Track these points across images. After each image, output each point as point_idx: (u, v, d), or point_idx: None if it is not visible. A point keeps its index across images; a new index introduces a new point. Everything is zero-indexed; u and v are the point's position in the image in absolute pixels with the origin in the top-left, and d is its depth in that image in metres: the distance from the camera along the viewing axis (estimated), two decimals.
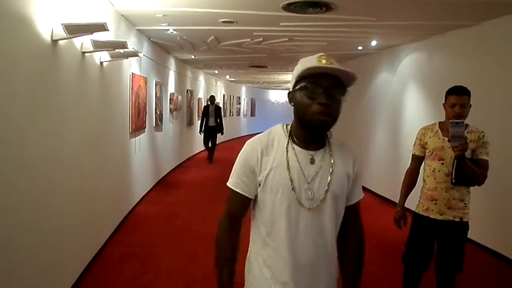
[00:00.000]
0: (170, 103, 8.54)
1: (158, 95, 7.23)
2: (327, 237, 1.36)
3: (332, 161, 1.35)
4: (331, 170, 1.34)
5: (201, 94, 12.45)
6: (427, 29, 5.14)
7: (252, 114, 22.14)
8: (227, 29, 5.39)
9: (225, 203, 1.44)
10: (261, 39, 6.13)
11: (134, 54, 4.43)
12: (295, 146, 1.35)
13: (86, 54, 3.41)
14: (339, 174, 1.36)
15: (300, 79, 1.30)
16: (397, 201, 3.03)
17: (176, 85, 9.14)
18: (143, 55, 5.98)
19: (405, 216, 2.92)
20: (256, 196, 1.39)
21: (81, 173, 3.48)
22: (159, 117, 7.43)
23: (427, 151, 2.83)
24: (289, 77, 1.37)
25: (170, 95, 8.53)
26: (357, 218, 1.51)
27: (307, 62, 1.29)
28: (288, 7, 4.15)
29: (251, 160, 1.36)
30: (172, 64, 8.63)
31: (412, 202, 2.92)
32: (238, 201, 1.39)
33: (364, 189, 6.29)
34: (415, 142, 2.92)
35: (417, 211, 2.86)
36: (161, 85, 7.52)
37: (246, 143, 1.41)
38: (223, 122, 10.78)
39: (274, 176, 1.32)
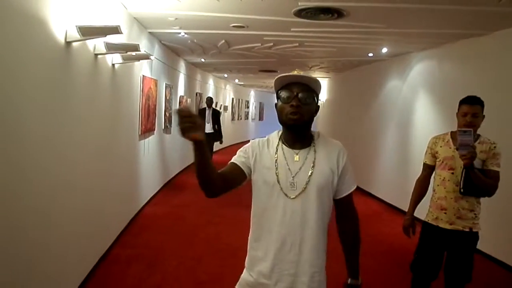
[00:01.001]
0: (179, 105, 8.58)
1: (168, 98, 7.27)
2: (310, 222, 1.57)
3: (314, 158, 1.59)
4: (312, 165, 1.58)
5: None
6: (438, 37, 5.12)
7: (261, 118, 22.17)
8: (238, 34, 5.42)
9: None
10: (272, 44, 6.14)
11: (145, 56, 4.46)
12: (284, 146, 1.62)
13: (99, 56, 3.44)
14: (321, 169, 1.58)
15: (279, 90, 1.59)
16: (405, 210, 3.01)
17: (186, 88, 9.18)
18: (154, 57, 6.02)
19: (414, 224, 2.90)
20: (253, 190, 1.64)
21: (90, 174, 3.51)
22: (169, 120, 7.46)
23: (437, 160, 2.82)
24: None
25: (180, 97, 8.57)
26: (351, 207, 1.71)
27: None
28: (299, 13, 4.16)
29: (250, 152, 1.63)
30: (182, 67, 8.68)
31: (422, 212, 2.90)
32: (231, 167, 1.62)
33: (372, 196, 6.26)
34: (426, 151, 2.92)
35: (426, 220, 2.84)
36: (171, 87, 7.56)
37: (250, 141, 1.69)
38: (222, 129, 9.42)
39: (265, 170, 1.59)
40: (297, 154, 1.59)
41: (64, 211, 2.95)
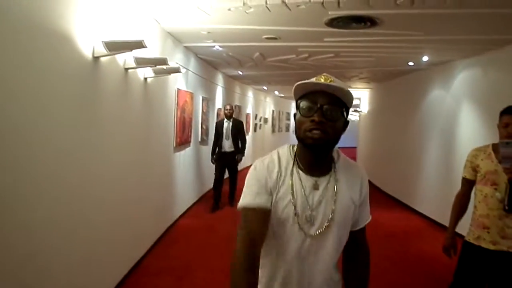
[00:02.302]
0: (217, 118, 8.65)
1: (204, 110, 7.34)
2: (328, 263, 1.36)
3: (336, 188, 1.33)
4: (335, 198, 1.32)
5: (250, 110, 12.55)
6: (482, 43, 4.82)
7: None
8: (271, 45, 5.39)
9: (240, 231, 1.28)
10: (307, 55, 6.06)
11: (176, 70, 4.52)
12: (300, 171, 1.33)
13: (130, 71, 3.52)
14: (344, 202, 1.34)
15: (299, 99, 1.30)
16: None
17: (224, 100, 9.25)
18: (189, 71, 6.11)
19: (455, 244, 2.72)
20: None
21: (125, 186, 3.57)
22: (205, 132, 7.53)
23: (478, 174, 2.61)
24: None
25: (217, 110, 8.64)
26: (364, 241, 1.49)
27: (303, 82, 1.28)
28: (331, 23, 4.06)
29: (263, 180, 1.32)
30: (220, 79, 8.76)
31: (464, 228, 2.69)
32: (258, 218, 1.27)
33: (414, 211, 5.92)
34: (465, 165, 2.72)
35: (467, 239, 2.63)
36: (208, 100, 7.64)
37: (254, 165, 1.37)
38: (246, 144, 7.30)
39: (280, 202, 1.31)
40: (316, 183, 1.31)
41: (98, 221, 3.01)
